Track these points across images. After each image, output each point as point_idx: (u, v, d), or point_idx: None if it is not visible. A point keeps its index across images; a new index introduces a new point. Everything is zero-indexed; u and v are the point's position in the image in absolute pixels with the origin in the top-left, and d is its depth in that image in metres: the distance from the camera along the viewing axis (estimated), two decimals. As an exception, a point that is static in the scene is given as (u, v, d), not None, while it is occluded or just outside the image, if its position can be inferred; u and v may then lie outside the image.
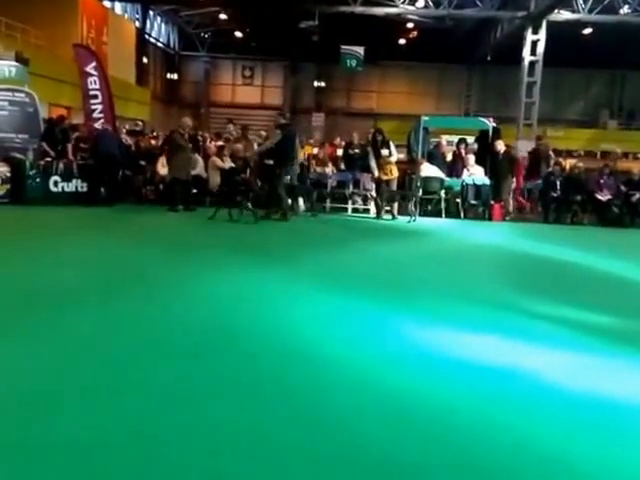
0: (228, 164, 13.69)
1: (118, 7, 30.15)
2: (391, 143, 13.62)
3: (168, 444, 2.73)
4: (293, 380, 3.55)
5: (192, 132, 15.10)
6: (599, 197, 13.70)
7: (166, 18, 36.55)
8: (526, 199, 15.56)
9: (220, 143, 14.85)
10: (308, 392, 3.39)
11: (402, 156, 16.60)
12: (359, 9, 27.31)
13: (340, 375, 3.65)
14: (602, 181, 13.90)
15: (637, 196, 13.67)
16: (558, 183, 13.96)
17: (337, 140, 17.52)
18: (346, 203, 14.23)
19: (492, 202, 13.84)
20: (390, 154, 13.29)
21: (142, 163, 13.95)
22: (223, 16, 33.14)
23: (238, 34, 36.18)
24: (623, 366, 4.08)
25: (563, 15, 27.10)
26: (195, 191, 13.22)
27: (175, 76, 39.31)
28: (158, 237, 9.45)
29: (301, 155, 14.23)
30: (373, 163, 13.29)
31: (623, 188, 13.85)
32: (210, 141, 15.49)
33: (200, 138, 14.86)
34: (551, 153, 16.20)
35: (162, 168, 13.60)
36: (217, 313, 4.96)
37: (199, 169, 13.44)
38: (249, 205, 11.38)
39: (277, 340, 4.27)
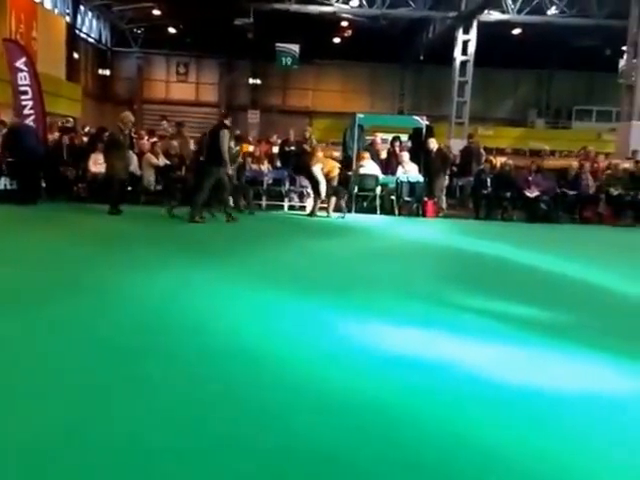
0: (163, 161, 13.55)
1: (48, 2, 29.27)
2: None
3: (98, 447, 2.70)
4: (231, 379, 3.54)
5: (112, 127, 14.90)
6: (528, 194, 14.12)
7: (98, 13, 35.71)
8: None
9: (154, 140, 14.66)
10: (247, 390, 3.39)
11: (337, 154, 16.76)
12: (294, 7, 27.38)
13: (277, 372, 3.65)
14: (530, 178, 14.34)
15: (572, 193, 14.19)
16: (489, 180, 14.33)
17: (273, 138, 17.53)
18: (282, 201, 14.26)
19: (425, 199, 14.12)
20: None
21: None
22: (157, 12, 32.64)
23: (172, 30, 35.69)
24: (553, 358, 4.18)
25: (493, 16, 27.80)
26: (129, 189, 13.02)
27: (107, 72, 38.45)
28: (94, 236, 9.26)
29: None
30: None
31: (558, 190, 14.28)
32: (144, 138, 15.28)
33: (134, 135, 14.63)
34: (482, 151, 16.61)
35: (94, 165, 13.35)
36: (150, 314, 4.88)
37: (133, 166, 13.24)
38: (174, 204, 11.20)
39: (214, 340, 4.24)
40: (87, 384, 3.36)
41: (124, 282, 5.93)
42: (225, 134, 10.92)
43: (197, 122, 30.36)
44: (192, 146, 14.99)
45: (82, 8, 33.59)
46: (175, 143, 14.22)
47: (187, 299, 5.37)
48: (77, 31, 33.18)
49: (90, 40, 35.90)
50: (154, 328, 4.45)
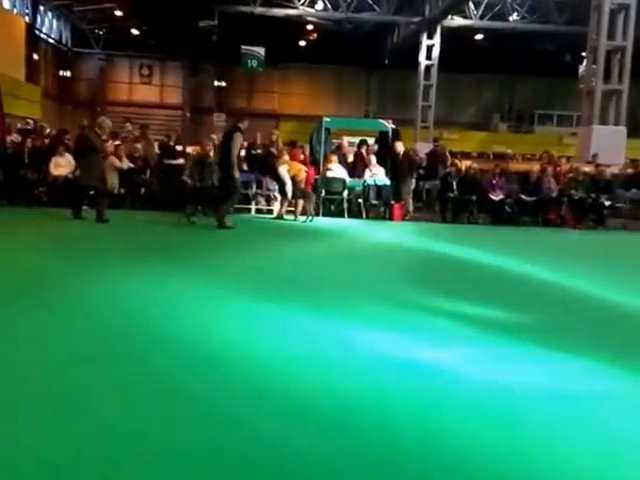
0: (126, 164, 13.36)
1: (6, 1, 28.71)
2: None
3: (60, 454, 2.61)
4: (198, 386, 3.48)
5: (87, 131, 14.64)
6: (492, 197, 14.27)
7: (58, 13, 35.14)
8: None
9: (117, 143, 14.44)
10: (214, 398, 3.33)
11: (303, 157, 16.70)
12: (259, 10, 27.34)
13: (249, 378, 3.61)
14: (495, 182, 14.49)
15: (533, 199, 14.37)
16: (455, 183, 14.45)
17: (239, 140, 17.37)
18: (249, 204, 14.17)
19: (393, 202, 14.16)
20: None
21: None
22: (118, 13, 32.23)
23: (135, 32, 35.28)
24: (518, 358, 4.24)
25: (456, 21, 28.16)
26: (92, 192, 12.79)
27: (68, 73, 37.84)
28: (59, 242, 9.08)
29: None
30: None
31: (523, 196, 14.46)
32: (107, 141, 15.04)
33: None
34: (448, 154, 16.74)
35: (55, 169, 13.13)
36: (121, 321, 4.78)
37: (96, 170, 13.01)
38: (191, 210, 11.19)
39: (185, 346, 4.17)
40: (44, 395, 3.25)
41: (86, 289, 5.80)
42: (238, 137, 10.80)
43: (161, 124, 30.07)
44: (156, 149, 14.84)
45: (42, 8, 33.04)
46: (139, 146, 14.05)
47: (152, 306, 5.26)
48: (37, 31, 32.61)
49: (50, 41, 35.31)
50: (119, 336, 4.35)
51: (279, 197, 13.55)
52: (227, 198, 11.06)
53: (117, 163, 13.09)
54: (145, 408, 3.14)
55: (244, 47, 28.60)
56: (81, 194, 11.33)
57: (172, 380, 3.54)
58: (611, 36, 18.62)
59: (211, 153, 13.73)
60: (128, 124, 17.01)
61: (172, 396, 3.31)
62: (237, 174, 11.06)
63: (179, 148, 15.26)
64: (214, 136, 16.93)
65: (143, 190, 13.62)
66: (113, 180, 12.99)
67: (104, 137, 11.59)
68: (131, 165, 13.49)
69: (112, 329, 4.51)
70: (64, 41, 37.32)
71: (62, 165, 13.28)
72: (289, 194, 13.08)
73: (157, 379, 3.54)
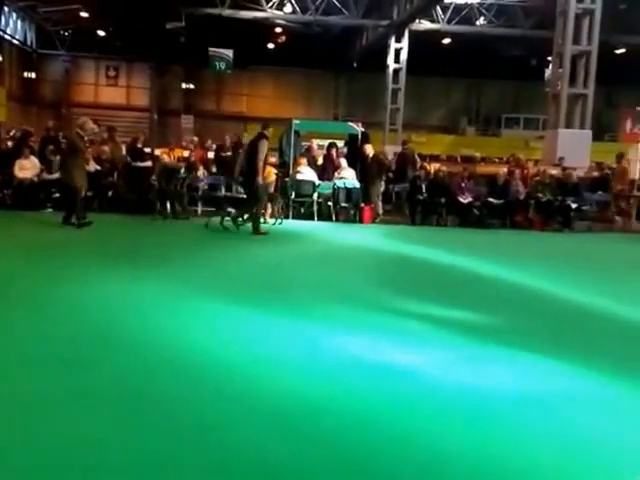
0: (93, 167, 13.18)
1: (-32, 1, 28.16)
2: None
3: (27, 459, 2.54)
4: (166, 390, 3.43)
5: (53, 133, 14.45)
6: (461, 200, 14.36)
7: (23, 15, 34.55)
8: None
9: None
10: (183, 402, 3.28)
11: (274, 159, 16.65)
12: (227, 12, 27.19)
13: (219, 381, 3.58)
14: (463, 184, 14.59)
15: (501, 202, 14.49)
16: (424, 186, 14.51)
17: (208, 143, 17.28)
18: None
19: (362, 205, 14.17)
20: None
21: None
22: (84, 14, 31.79)
23: (101, 33, 34.84)
24: (485, 360, 4.30)
25: (424, 25, 28.33)
26: (57, 195, 12.62)
27: (33, 75, 37.24)
28: (26, 246, 8.90)
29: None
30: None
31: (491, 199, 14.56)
32: (88, 142, 14.83)
33: (62, 140, 14.18)
34: (417, 157, 16.80)
35: (20, 171, 12.90)
36: (89, 325, 4.70)
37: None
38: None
39: (154, 349, 4.12)
40: (10, 399, 3.20)
41: (56, 293, 5.69)
42: (263, 143, 10.90)
43: (128, 126, 29.73)
44: (123, 151, 14.67)
45: (6, 9, 32.42)
46: (106, 148, 13.87)
47: (120, 310, 5.20)
48: (1, 32, 32.03)
49: (15, 42, 34.70)
50: (88, 340, 4.27)
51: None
52: (252, 204, 11.26)
53: (84, 165, 12.88)
54: (113, 412, 3.09)
55: (212, 49, 28.45)
56: (76, 199, 10.82)
57: (140, 384, 3.49)
58: (576, 41, 18.86)
59: (192, 156, 13.77)
60: (95, 126, 16.76)
61: (140, 400, 3.27)
62: (260, 180, 11.13)
63: (147, 150, 15.11)
64: (195, 138, 16.82)
65: (111, 193, 13.44)
66: (80, 183, 12.77)
67: (86, 138, 11.32)
68: (98, 167, 13.31)
69: (81, 333, 4.44)
70: (29, 42, 36.71)
71: (27, 168, 13.06)
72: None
73: (124, 383, 3.49)
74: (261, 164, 10.93)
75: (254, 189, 11.09)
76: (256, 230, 11.03)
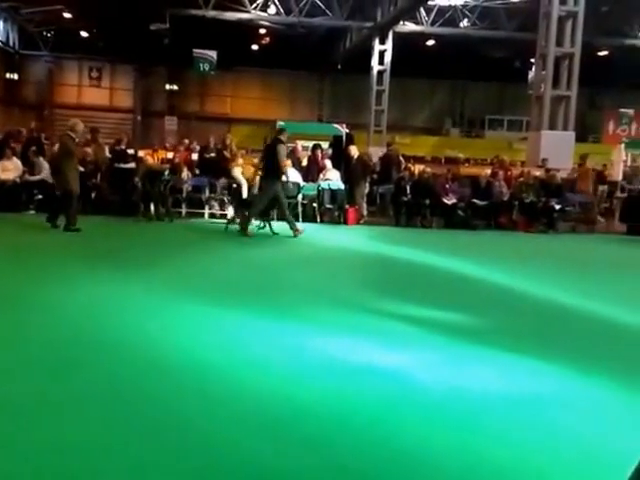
0: (77, 168, 13.05)
1: (-51, 2, 27.88)
2: None
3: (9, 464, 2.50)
4: (154, 391, 3.40)
5: (35, 134, 14.33)
6: (445, 201, 14.39)
7: (5, 15, 34.23)
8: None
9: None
10: (166, 404, 3.25)
11: (256, 160, 16.60)
12: (211, 13, 27.10)
13: (203, 384, 3.55)
14: (447, 186, 14.63)
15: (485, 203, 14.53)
16: (408, 188, 14.53)
17: (193, 144, 17.21)
18: (203, 208, 14.01)
19: (347, 206, 14.17)
20: None
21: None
22: (67, 15, 31.57)
23: (84, 34, 34.61)
24: (472, 361, 4.30)
25: (408, 27, 28.40)
26: (40, 197, 12.51)
27: (15, 76, 36.93)
28: (10, 248, 8.80)
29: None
30: None
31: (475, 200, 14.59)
32: (55, 144, 14.70)
33: (45, 141, 14.08)
34: (401, 159, 16.83)
35: (2, 172, 12.79)
36: (72, 328, 4.66)
37: (44, 173, 12.72)
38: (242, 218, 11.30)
39: (138, 352, 4.09)
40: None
41: (38, 296, 5.63)
42: (282, 148, 11.36)
43: (111, 128, 29.55)
44: (107, 153, 14.57)
45: (-13, 10, 32.18)
46: (89, 150, 13.75)
47: (103, 313, 5.16)
48: (-18, 33, 31.77)
49: (-4, 43, 34.42)
50: (70, 343, 4.23)
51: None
52: (278, 206, 11.76)
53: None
54: (96, 415, 3.07)
55: (196, 50, 28.33)
56: (70, 203, 10.62)
57: (123, 387, 3.46)
58: (559, 43, 19.00)
59: (176, 157, 13.74)
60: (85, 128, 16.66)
61: (123, 402, 3.24)
62: (280, 183, 11.65)
63: (130, 152, 15.01)
64: (186, 141, 16.73)
65: (94, 194, 13.35)
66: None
67: (77, 140, 11.12)
68: (82, 169, 13.18)
69: (62, 336, 4.40)
70: (11, 43, 36.38)
71: (9, 169, 12.95)
72: (244, 195, 13.00)
73: (107, 386, 3.46)
74: (283, 168, 11.51)
75: (273, 191, 11.43)
76: (244, 230, 11.20)
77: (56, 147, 13.22)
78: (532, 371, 4.11)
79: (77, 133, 10.98)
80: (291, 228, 11.42)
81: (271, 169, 11.42)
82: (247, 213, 11.53)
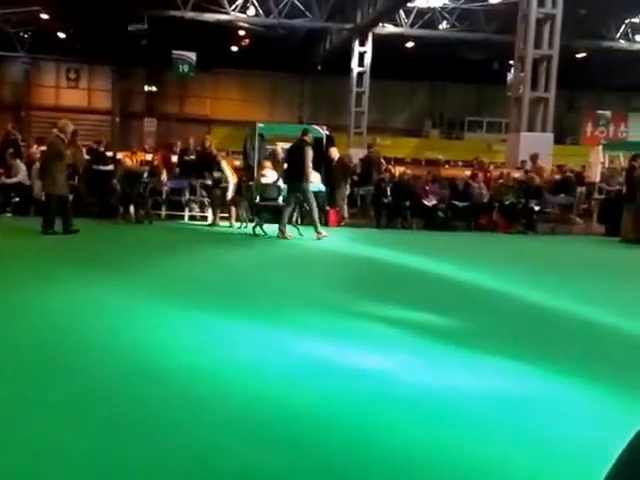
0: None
1: None
2: None
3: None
4: (137, 394, 3.35)
5: (14, 137, 14.17)
6: (425, 202, 14.44)
7: (-20, 16, 33.85)
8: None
9: (43, 148, 13.95)
10: (147, 408, 3.21)
11: (238, 163, 16.56)
12: (189, 14, 26.96)
13: (187, 388, 3.52)
14: (428, 187, 14.68)
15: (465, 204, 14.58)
16: (389, 189, 14.56)
17: (177, 145, 17.08)
18: (182, 210, 13.92)
19: (328, 208, 14.15)
20: None
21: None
22: (44, 16, 31.26)
23: (61, 35, 34.30)
24: (452, 363, 4.30)
25: (387, 29, 28.47)
26: (17, 199, 12.36)
27: (-9, 77, 36.55)
28: None
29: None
30: None
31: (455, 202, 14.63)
32: (33, 146, 14.56)
33: (22, 143, 13.91)
34: (382, 160, 16.85)
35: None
36: (53, 332, 4.59)
37: (21, 176, 12.57)
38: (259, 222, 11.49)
39: (120, 355, 4.04)
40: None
41: (16, 300, 5.55)
42: (309, 151, 11.46)
43: (90, 129, 29.29)
44: (85, 155, 14.43)
45: (-37, 10, 31.74)
46: (68, 152, 13.58)
47: (83, 316, 5.09)
48: (-43, 34, 31.36)
49: (-28, 44, 34.00)
50: (51, 348, 4.17)
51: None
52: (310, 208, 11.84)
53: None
54: (79, 419, 3.03)
55: (175, 52, 28.20)
56: (50, 205, 10.46)
57: (106, 390, 3.42)
58: (538, 45, 19.15)
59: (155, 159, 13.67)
60: (55, 129, 16.47)
61: (107, 405, 3.20)
62: (309, 184, 11.79)
63: (109, 154, 14.88)
64: (179, 142, 16.62)
65: (72, 197, 13.19)
66: (39, 187, 12.53)
67: (66, 141, 10.92)
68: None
69: (44, 341, 4.34)
70: (-14, 44, 35.99)
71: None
72: (230, 191, 12.98)
73: (89, 389, 3.41)
74: (309, 170, 11.58)
75: (302, 192, 11.62)
76: (283, 234, 11.44)
77: (42, 148, 13.06)
78: (511, 372, 4.11)
79: (66, 134, 10.77)
80: (315, 230, 11.50)
81: (298, 171, 11.48)
82: (282, 216, 11.66)
